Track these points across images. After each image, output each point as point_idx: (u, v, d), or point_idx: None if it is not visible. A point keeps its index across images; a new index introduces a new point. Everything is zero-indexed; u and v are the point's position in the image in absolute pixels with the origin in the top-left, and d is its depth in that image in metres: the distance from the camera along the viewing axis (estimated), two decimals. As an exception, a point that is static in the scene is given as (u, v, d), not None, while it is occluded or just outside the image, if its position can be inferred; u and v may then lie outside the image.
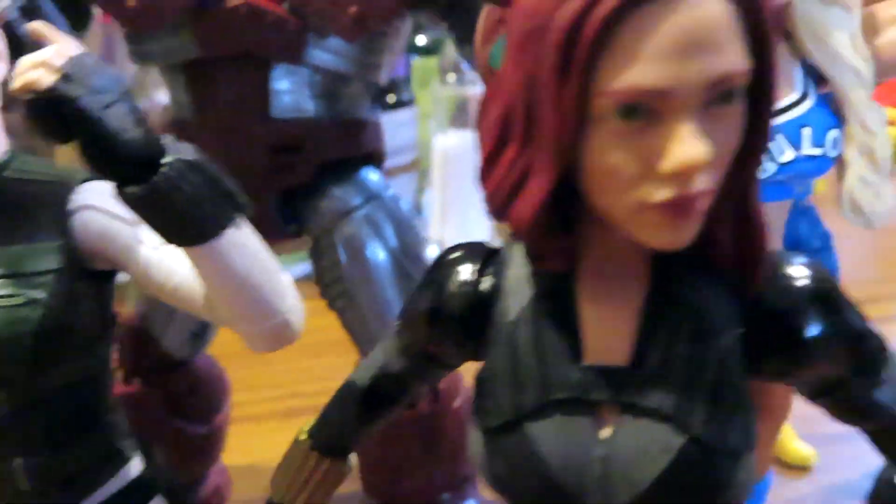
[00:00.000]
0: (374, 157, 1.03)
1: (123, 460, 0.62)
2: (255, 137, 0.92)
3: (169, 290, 0.55)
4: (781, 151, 0.75)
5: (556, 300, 0.44)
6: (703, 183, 0.37)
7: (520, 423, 0.44)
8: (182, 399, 1.10)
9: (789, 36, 0.77)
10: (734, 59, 0.37)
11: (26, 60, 0.45)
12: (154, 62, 0.96)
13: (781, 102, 0.76)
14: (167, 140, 0.47)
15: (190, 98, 0.93)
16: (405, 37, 1.01)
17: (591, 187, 0.40)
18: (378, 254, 0.98)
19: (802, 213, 1.31)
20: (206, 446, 1.15)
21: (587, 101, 0.37)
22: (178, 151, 0.47)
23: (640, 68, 0.36)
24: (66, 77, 0.45)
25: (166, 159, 0.46)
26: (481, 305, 0.47)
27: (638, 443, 0.42)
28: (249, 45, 0.87)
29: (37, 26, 0.50)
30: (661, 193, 0.37)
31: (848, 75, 0.75)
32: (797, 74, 0.78)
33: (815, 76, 0.79)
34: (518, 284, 0.46)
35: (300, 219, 1.00)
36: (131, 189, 0.46)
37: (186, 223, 0.47)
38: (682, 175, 0.36)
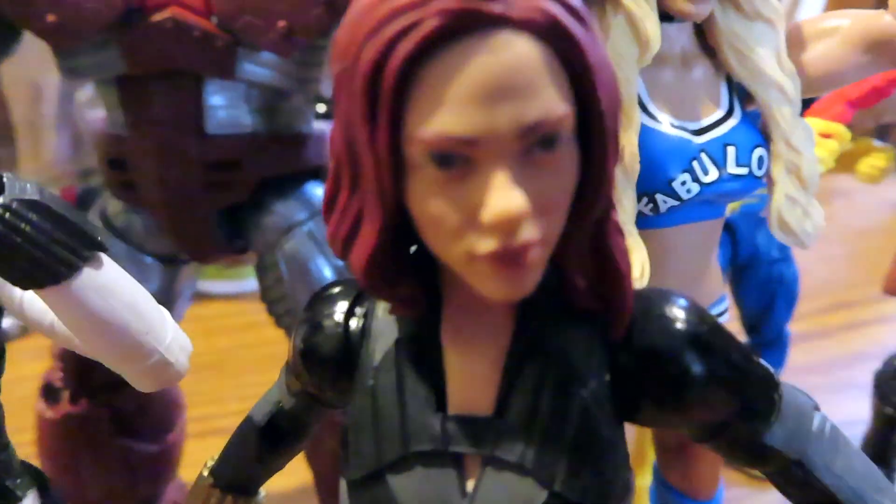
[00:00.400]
0: (319, 171, 1.02)
1: (14, 500, 0.60)
2: (191, 154, 0.91)
3: (47, 329, 0.53)
4: (706, 171, 0.72)
5: (420, 344, 0.42)
6: (529, 234, 0.35)
7: (382, 475, 0.42)
8: (131, 417, 1.08)
9: (713, 52, 0.75)
10: (549, 104, 0.35)
11: None
12: (85, 77, 0.94)
13: (705, 120, 0.74)
14: (7, 179, 0.45)
15: (123, 114, 0.92)
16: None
17: (423, 235, 0.38)
18: (323, 270, 0.97)
19: (760, 223, 1.31)
20: (158, 465, 1.13)
21: (400, 147, 0.35)
22: (16, 191, 0.45)
23: (445, 115, 0.34)
24: None
25: (2, 199, 0.44)
26: (351, 346, 0.45)
27: (501, 497, 0.40)
28: (177, 60, 0.86)
29: None
30: (486, 245, 0.35)
31: (773, 92, 0.73)
32: (722, 91, 0.76)
33: (741, 93, 0.76)
34: (385, 326, 0.44)
35: (245, 235, 1.00)
36: None
37: (30, 266, 0.45)
38: (503, 226, 0.34)
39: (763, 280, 1.32)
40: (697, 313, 0.43)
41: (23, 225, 0.44)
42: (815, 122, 0.98)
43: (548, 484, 0.40)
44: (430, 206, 0.36)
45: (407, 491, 0.41)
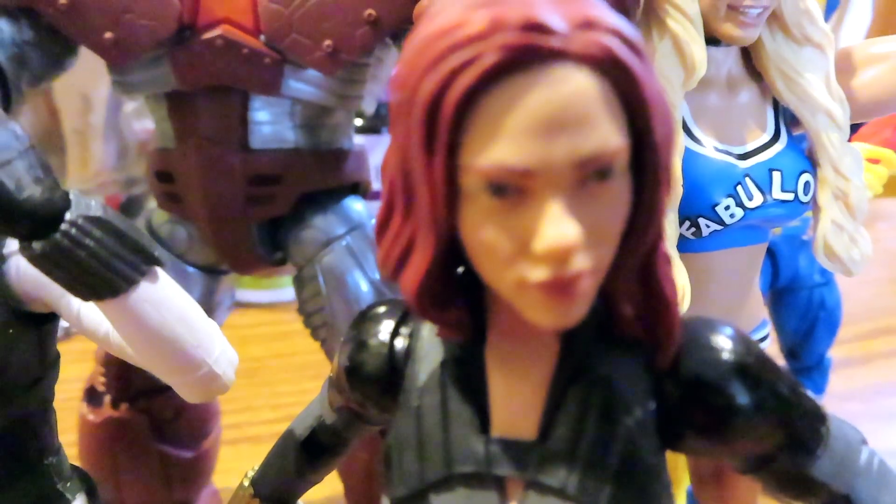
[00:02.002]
0: (358, 187, 1.03)
1: (64, 501, 0.62)
2: (235, 168, 0.93)
3: (101, 338, 0.55)
4: (750, 196, 0.72)
5: (465, 367, 0.42)
6: (581, 263, 0.35)
7: (425, 495, 0.42)
8: (168, 424, 1.10)
9: (760, 77, 0.75)
10: (605, 137, 0.35)
11: None
12: (137, 92, 0.97)
13: (750, 145, 0.74)
14: (74, 195, 0.47)
15: (172, 127, 0.94)
16: (390, 63, 1.01)
17: (474, 262, 0.38)
18: (360, 284, 0.98)
19: (802, 247, 1.29)
20: (193, 471, 1.14)
21: (455, 176, 0.36)
22: (84, 207, 0.46)
23: (502, 146, 0.34)
24: None
25: (69, 216, 0.46)
26: (396, 366, 0.45)
27: None
28: (226, 77, 0.88)
29: None
30: (538, 274, 0.35)
31: (821, 117, 0.72)
32: (769, 116, 0.75)
33: (788, 117, 0.76)
34: (430, 347, 0.44)
35: (285, 248, 1.01)
36: (34, 245, 0.46)
37: (91, 279, 0.47)
38: (555, 256, 0.35)
39: (804, 305, 1.30)
40: (744, 343, 0.42)
41: (87, 240, 0.46)
42: (862, 147, 0.97)
43: None
44: (484, 234, 0.36)
45: None
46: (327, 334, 0.98)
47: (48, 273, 0.47)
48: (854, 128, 1.00)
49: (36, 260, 0.47)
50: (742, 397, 0.41)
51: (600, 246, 0.36)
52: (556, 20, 0.34)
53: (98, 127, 1.85)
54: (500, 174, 0.35)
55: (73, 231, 0.46)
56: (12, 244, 0.56)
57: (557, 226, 0.34)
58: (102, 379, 1.10)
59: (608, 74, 0.35)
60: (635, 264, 0.39)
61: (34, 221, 0.46)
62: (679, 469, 1.21)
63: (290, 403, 1.67)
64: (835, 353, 1.63)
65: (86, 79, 1.66)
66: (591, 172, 0.35)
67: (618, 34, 0.35)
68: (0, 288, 0.56)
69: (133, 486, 1.11)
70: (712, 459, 0.45)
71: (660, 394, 0.42)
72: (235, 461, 1.25)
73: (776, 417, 0.42)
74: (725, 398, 0.41)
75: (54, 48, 0.90)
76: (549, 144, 0.34)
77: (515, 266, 0.36)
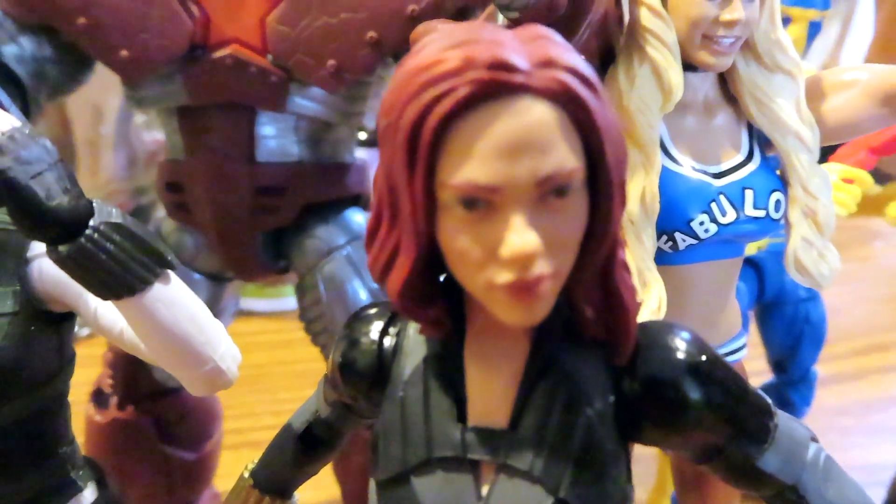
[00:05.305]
0: (360, 199, 1.07)
1: (76, 490, 0.66)
2: (241, 179, 0.97)
3: (116, 335, 0.59)
4: (724, 212, 0.76)
5: (445, 363, 0.47)
6: (542, 268, 0.40)
7: (407, 477, 0.47)
8: (172, 426, 1.14)
9: (735, 101, 0.80)
10: (562, 159, 0.40)
11: None
12: (149, 106, 1.02)
13: (725, 164, 0.78)
14: (97, 204, 0.52)
15: (182, 140, 0.99)
16: (390, 81, 1.05)
17: (451, 266, 0.43)
18: (359, 292, 1.01)
19: (787, 263, 1.32)
20: (195, 472, 1.18)
21: (433, 191, 0.41)
22: (105, 214, 0.51)
23: (473, 166, 0.39)
24: None
25: (93, 222, 0.51)
26: (384, 362, 0.50)
27: (511, 501, 0.45)
28: (234, 94, 0.93)
29: None
30: (503, 276, 0.40)
31: (791, 140, 0.77)
32: (743, 137, 0.80)
33: (762, 139, 0.80)
34: (415, 345, 0.49)
35: (288, 257, 1.05)
36: (60, 248, 0.51)
37: (111, 280, 0.52)
38: (518, 261, 0.39)
39: (790, 319, 1.32)
40: (697, 345, 0.47)
41: (108, 244, 0.51)
42: (837, 168, 1.01)
43: (554, 491, 0.44)
44: (457, 241, 0.41)
45: (429, 492, 0.46)
46: (327, 340, 1.02)
47: (72, 274, 0.52)
48: (832, 149, 1.05)
49: (62, 262, 0.51)
50: (693, 393, 0.46)
51: (560, 253, 0.41)
52: (519, 59, 0.39)
53: (108, 137, 1.90)
54: (471, 190, 0.40)
55: (96, 236, 0.50)
56: (35, 248, 0.61)
57: (520, 235, 0.39)
58: (109, 381, 1.13)
59: (565, 106, 0.40)
60: (595, 270, 0.44)
61: (61, 227, 0.50)
62: (665, 476, 1.24)
63: (291, 410, 1.69)
64: (828, 368, 1.65)
65: (97, 91, 1.71)
66: (550, 189, 0.40)
67: (574, 72, 0.40)
68: (23, 288, 0.60)
69: (136, 486, 1.13)
70: (669, 449, 0.49)
71: (619, 389, 0.46)
72: (237, 465, 1.28)
73: (725, 412, 0.47)
74: (678, 393, 0.45)
75: (72, 64, 0.95)
76: (512, 165, 0.39)
77: (485, 270, 0.41)
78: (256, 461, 0.66)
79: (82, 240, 0.50)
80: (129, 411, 1.11)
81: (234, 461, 1.21)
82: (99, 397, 1.13)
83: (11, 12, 0.91)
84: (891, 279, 2.31)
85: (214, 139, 0.96)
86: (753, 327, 1.33)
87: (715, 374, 0.47)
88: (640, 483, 1.33)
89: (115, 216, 0.51)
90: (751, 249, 1.17)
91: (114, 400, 1.11)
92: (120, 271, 0.51)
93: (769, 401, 0.49)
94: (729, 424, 0.47)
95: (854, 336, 1.94)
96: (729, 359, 0.83)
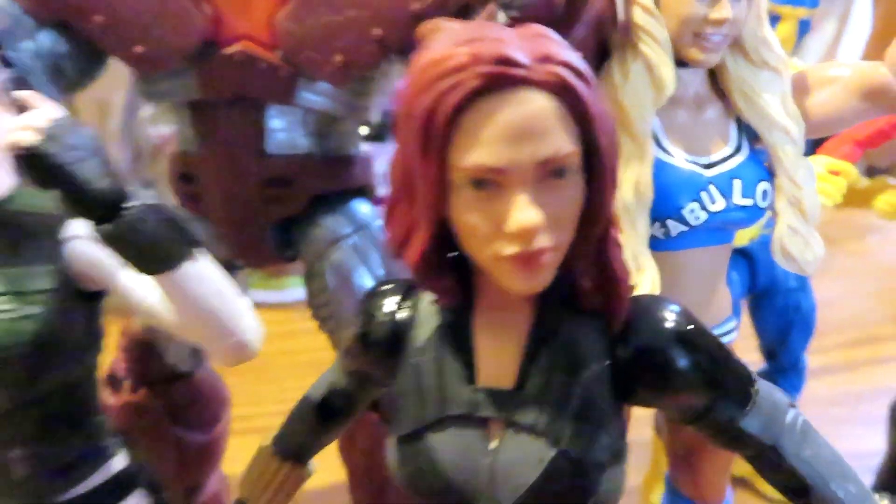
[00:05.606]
0: (365, 190, 1.11)
1: (107, 456, 0.71)
2: (251, 171, 1.00)
3: (145, 310, 0.64)
4: (713, 201, 0.81)
5: (456, 331, 0.52)
6: (543, 241, 0.45)
7: (422, 434, 0.52)
8: (183, 409, 1.17)
9: (724, 95, 0.84)
10: (559, 144, 0.44)
11: (13, 122, 0.54)
12: (162, 100, 1.05)
13: (715, 156, 0.82)
14: (135, 187, 0.56)
15: (194, 133, 1.02)
16: (395, 76, 1.09)
17: (462, 240, 0.48)
18: (364, 279, 1.05)
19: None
20: (205, 454, 1.22)
21: (445, 173, 0.45)
22: (141, 197, 0.55)
23: (481, 150, 0.44)
24: (46, 137, 0.53)
25: (131, 203, 0.55)
26: (399, 332, 0.55)
27: (518, 454, 0.50)
28: (245, 88, 0.96)
29: (24, 94, 0.58)
30: (509, 249, 0.45)
31: (777, 133, 0.81)
32: (732, 131, 0.84)
33: (751, 133, 0.84)
34: (428, 315, 0.53)
35: (296, 246, 1.08)
36: (102, 227, 0.55)
37: (148, 255, 0.56)
38: (522, 235, 0.44)
39: (780, 309, 1.36)
40: (685, 316, 0.51)
41: (146, 223, 0.55)
42: (824, 161, 1.05)
43: (556, 443, 0.49)
44: (468, 218, 0.46)
45: (443, 446, 0.51)
46: (334, 326, 1.05)
47: (116, 250, 0.56)
48: (819, 142, 1.09)
49: (106, 238, 0.56)
50: (681, 360, 0.50)
51: (559, 228, 0.46)
52: (521, 55, 0.44)
53: (115, 131, 1.93)
54: (479, 172, 0.44)
55: (136, 215, 0.55)
56: (69, 231, 0.65)
57: (524, 212, 0.44)
58: (123, 365, 1.17)
59: (561, 97, 0.45)
60: (591, 246, 0.48)
61: (104, 207, 0.55)
62: (658, 460, 1.29)
63: (295, 398, 1.71)
64: (821, 360, 1.68)
65: (104, 86, 1.73)
66: (550, 171, 0.45)
67: (569, 66, 0.45)
68: (59, 267, 0.65)
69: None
70: (659, 409, 0.54)
71: (614, 355, 0.51)
72: (243, 451, 1.31)
73: (710, 377, 0.51)
74: (667, 359, 0.50)
75: (87, 60, 0.98)
76: (516, 149, 0.44)
77: (492, 243, 0.46)
78: (277, 432, 0.71)
79: (123, 219, 0.54)
80: (142, 394, 1.14)
81: (240, 446, 1.25)
82: (113, 381, 1.16)
83: (30, 10, 0.94)
84: (884, 273, 2.35)
85: (225, 132, 0.99)
86: (747, 319, 1.37)
87: (701, 342, 0.51)
88: (637, 468, 1.36)
89: (152, 199, 0.55)
90: (743, 240, 1.21)
91: (127, 383, 1.15)
92: (157, 248, 0.55)
93: (751, 369, 0.54)
94: (713, 388, 0.51)
95: (846, 328, 1.98)
96: (719, 341, 0.88)
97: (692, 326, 0.51)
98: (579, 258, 0.48)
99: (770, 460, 0.53)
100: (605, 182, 0.47)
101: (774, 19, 1.14)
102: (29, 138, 0.53)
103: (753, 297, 1.37)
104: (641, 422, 1.06)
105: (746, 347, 1.40)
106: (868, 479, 1.24)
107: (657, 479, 1.28)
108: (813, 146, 1.05)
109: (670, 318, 0.51)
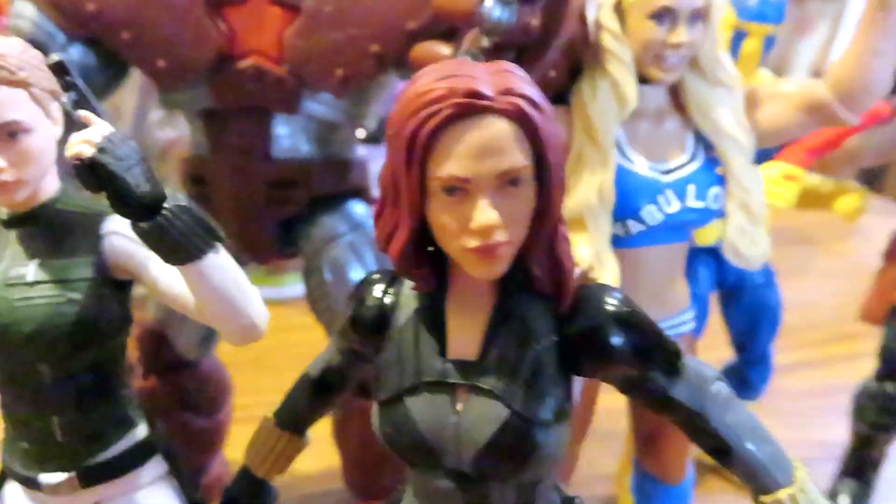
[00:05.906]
0: (361, 192, 1.19)
1: (132, 424, 0.81)
2: (258, 174, 1.09)
3: (171, 297, 0.74)
4: (669, 203, 0.90)
5: (431, 312, 0.62)
6: (500, 237, 0.55)
7: (400, 398, 0.62)
8: (190, 395, 1.26)
9: (683, 109, 0.94)
10: (515, 159, 0.55)
11: (75, 137, 0.64)
12: (179, 108, 1.14)
13: (672, 163, 0.92)
14: (169, 191, 0.66)
15: (206, 139, 1.11)
16: (390, 87, 1.17)
17: (437, 236, 0.58)
18: (359, 274, 1.12)
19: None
20: (209, 438, 1.30)
21: (424, 182, 0.56)
22: (175, 199, 0.66)
23: (453, 164, 0.55)
24: (101, 149, 0.63)
25: (167, 204, 0.65)
26: (384, 314, 0.65)
27: (479, 414, 0.60)
28: (254, 98, 1.05)
29: (85, 114, 0.69)
30: (473, 242, 0.56)
31: (729, 143, 0.91)
32: (689, 141, 0.94)
33: (706, 142, 0.94)
34: (408, 300, 0.64)
35: (296, 243, 1.16)
36: (142, 224, 0.65)
37: (179, 249, 0.66)
38: (483, 231, 0.55)
39: (748, 305, 1.43)
40: (625, 301, 0.61)
41: (178, 222, 0.65)
42: (779, 166, 1.15)
43: (509, 405, 0.59)
44: (441, 217, 0.56)
45: (417, 408, 0.61)
46: (331, 318, 1.13)
47: (150, 244, 0.66)
48: (777, 149, 1.18)
49: (144, 235, 0.65)
50: (618, 337, 0.60)
51: (514, 227, 0.56)
52: (487, 89, 0.55)
53: (126, 134, 2.01)
54: (451, 181, 0.55)
55: (169, 215, 0.64)
56: (106, 227, 0.75)
57: (485, 213, 0.55)
58: (136, 353, 1.25)
59: (519, 122, 0.55)
60: (542, 241, 0.58)
61: (145, 208, 0.64)
62: (631, 447, 1.36)
63: (292, 389, 1.79)
64: (797, 354, 1.71)
65: (116, 93, 1.82)
66: (507, 181, 0.55)
67: (526, 98, 0.56)
68: (98, 258, 0.74)
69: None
70: (602, 379, 0.64)
71: (562, 332, 0.61)
72: (243, 438, 1.37)
73: (642, 353, 0.61)
74: (606, 337, 0.60)
75: (113, 71, 1.08)
76: (480, 163, 0.55)
77: (460, 238, 0.56)
78: (279, 406, 0.81)
79: (159, 218, 0.64)
80: (153, 381, 1.23)
81: (241, 433, 1.30)
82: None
83: (63, 26, 1.03)
84: (864, 274, 2.38)
85: (235, 138, 1.08)
86: (718, 317, 1.44)
87: (635, 322, 0.61)
88: (613, 456, 1.40)
89: (182, 200, 0.65)
90: (710, 240, 1.28)
91: (139, 370, 1.23)
92: (186, 242, 0.65)
93: (680, 347, 0.64)
94: (645, 361, 0.61)
95: (824, 326, 2.00)
96: (675, 331, 0.98)
97: (629, 310, 0.61)
98: (533, 250, 0.58)
99: (696, 425, 0.63)
100: (553, 189, 0.57)
101: (741, 35, 1.22)
102: (87, 151, 0.63)
103: (723, 295, 1.43)
104: (617, 414, 1.14)
105: (718, 343, 1.45)
106: (832, 467, 1.30)
107: (630, 466, 1.37)
108: (768, 155, 1.14)
109: (611, 302, 0.61)
